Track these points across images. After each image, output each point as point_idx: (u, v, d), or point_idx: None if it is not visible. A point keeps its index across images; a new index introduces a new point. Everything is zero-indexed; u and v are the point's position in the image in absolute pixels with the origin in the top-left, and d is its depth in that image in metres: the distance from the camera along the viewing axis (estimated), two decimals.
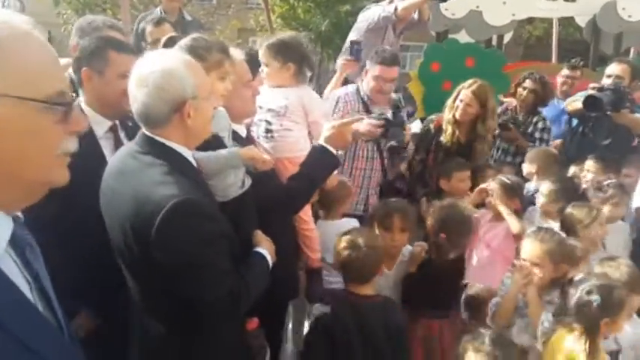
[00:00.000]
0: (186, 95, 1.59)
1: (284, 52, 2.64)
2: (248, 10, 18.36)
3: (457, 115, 3.52)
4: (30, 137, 0.89)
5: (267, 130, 2.69)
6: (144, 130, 1.66)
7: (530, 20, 10.45)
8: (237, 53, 2.24)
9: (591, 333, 2.02)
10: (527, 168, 3.67)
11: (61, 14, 15.35)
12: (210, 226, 1.58)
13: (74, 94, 2.14)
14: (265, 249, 1.88)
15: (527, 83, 4.23)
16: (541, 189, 3.19)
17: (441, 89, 4.52)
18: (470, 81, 3.56)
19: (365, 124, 3.19)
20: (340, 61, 4.21)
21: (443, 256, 2.70)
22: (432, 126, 3.77)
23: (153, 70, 1.58)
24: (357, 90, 3.55)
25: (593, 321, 2.02)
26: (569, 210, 2.80)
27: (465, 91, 3.51)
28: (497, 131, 3.94)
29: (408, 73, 5.29)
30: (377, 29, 4.45)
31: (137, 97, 1.60)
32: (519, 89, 4.28)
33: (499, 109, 4.03)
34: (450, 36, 5.33)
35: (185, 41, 2.00)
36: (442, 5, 4.92)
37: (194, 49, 1.91)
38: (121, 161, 1.69)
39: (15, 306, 0.88)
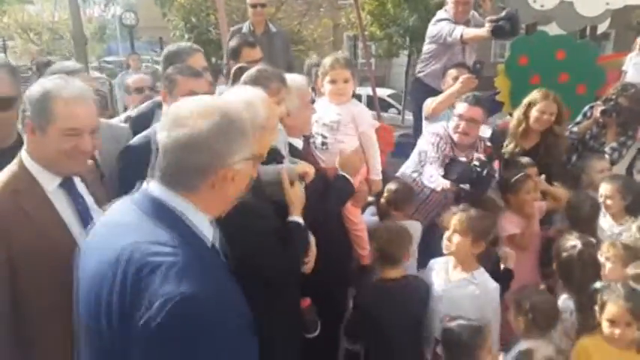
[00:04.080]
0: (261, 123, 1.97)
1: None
2: (339, 9, 18.80)
3: (533, 124, 3.61)
4: (246, 180, 1.43)
5: (323, 143, 2.98)
6: None
7: None
8: (299, 78, 2.65)
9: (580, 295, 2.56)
10: None
11: (170, 21, 16.77)
12: (263, 222, 2.05)
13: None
14: (297, 215, 2.21)
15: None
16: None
17: (528, 83, 4.47)
18: (540, 93, 3.64)
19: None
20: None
21: None
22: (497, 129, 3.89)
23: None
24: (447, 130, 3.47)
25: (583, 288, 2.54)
26: None
27: (544, 101, 3.59)
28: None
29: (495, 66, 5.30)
30: (445, 44, 4.75)
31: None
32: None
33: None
34: (540, 28, 5.25)
35: (251, 72, 2.37)
36: None
37: (257, 80, 2.27)
38: None
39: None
